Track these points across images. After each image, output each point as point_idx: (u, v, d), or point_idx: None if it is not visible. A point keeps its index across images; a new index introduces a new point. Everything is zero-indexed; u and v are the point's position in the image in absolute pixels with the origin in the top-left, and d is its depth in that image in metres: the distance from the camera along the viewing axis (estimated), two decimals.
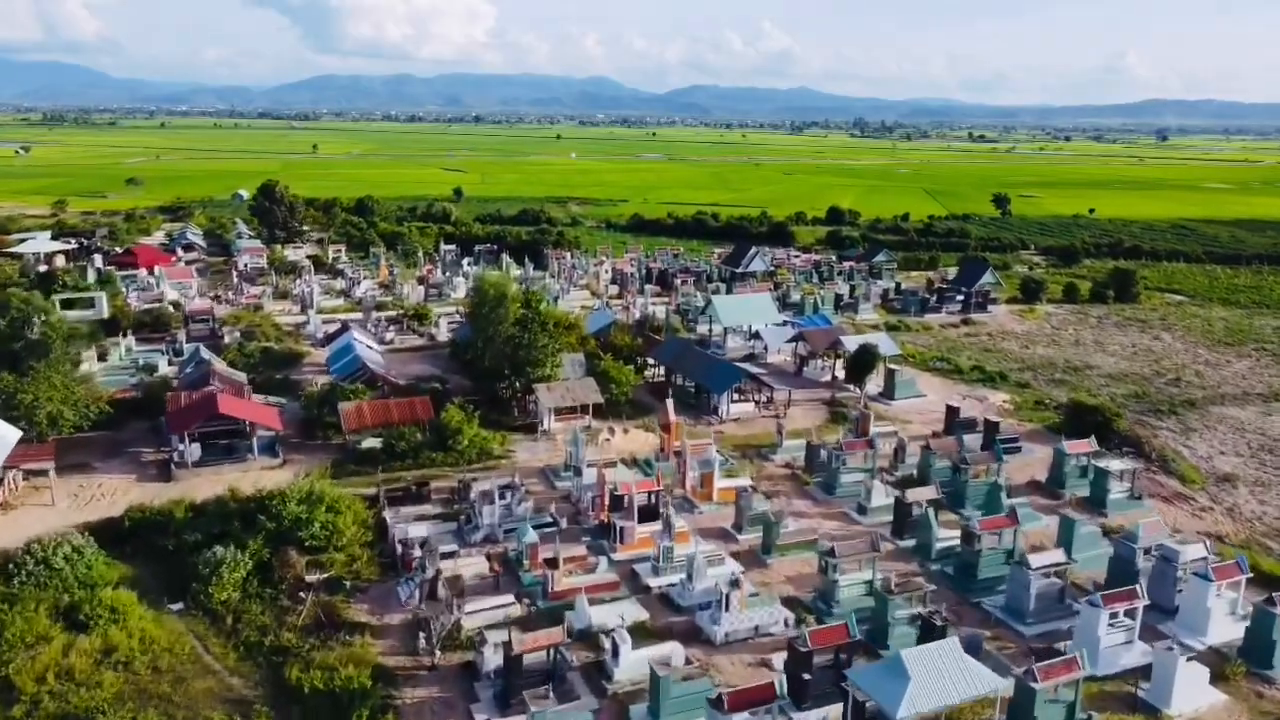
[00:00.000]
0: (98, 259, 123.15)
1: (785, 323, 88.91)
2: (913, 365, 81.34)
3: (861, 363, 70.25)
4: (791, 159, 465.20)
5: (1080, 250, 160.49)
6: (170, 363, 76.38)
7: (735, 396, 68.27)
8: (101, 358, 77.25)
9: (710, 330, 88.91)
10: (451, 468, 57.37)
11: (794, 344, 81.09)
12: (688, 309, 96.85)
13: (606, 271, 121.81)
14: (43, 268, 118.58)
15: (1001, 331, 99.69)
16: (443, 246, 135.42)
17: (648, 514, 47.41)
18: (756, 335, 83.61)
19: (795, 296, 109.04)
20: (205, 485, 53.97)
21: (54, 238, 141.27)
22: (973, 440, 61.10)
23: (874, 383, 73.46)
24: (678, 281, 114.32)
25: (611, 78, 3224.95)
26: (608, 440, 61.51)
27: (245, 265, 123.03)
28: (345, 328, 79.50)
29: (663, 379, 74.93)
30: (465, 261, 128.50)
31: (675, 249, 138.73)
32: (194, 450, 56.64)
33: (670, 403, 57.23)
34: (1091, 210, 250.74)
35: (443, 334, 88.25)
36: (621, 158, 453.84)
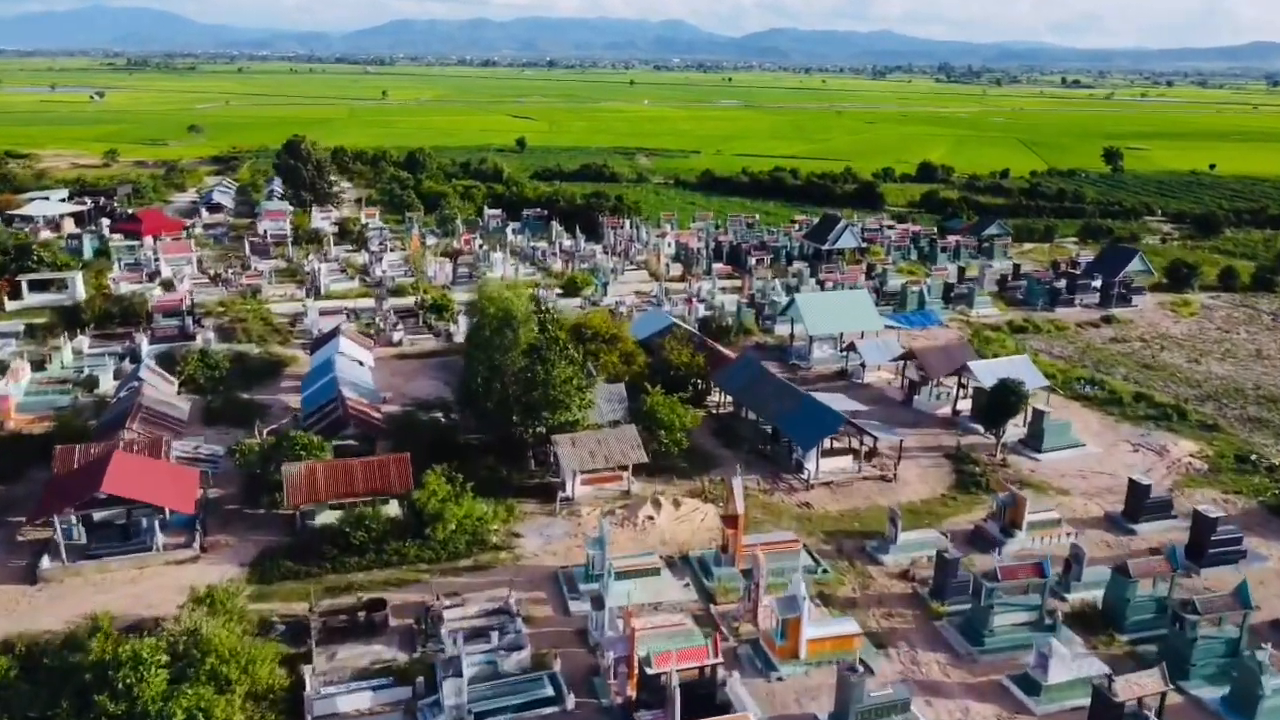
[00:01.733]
0: (105, 224, 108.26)
1: (888, 327, 69.35)
2: (1056, 392, 61.33)
3: (1002, 407, 50.81)
4: (874, 106, 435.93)
5: (1221, 218, 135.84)
6: (116, 375, 60.27)
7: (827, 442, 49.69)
8: (39, 365, 61.52)
9: (792, 334, 69.83)
10: (431, 564, 40.15)
11: (900, 363, 61.74)
12: (764, 302, 77.69)
13: (669, 245, 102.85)
14: (46, 234, 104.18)
15: (1156, 335, 78.60)
16: (486, 211, 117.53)
17: (697, 703, 29.46)
18: (851, 348, 64.39)
19: (893, 282, 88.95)
20: (80, 595, 37.59)
21: (71, 196, 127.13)
22: (1157, 524, 42.11)
23: (1014, 423, 53.91)
24: (752, 261, 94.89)
25: (688, 21, 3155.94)
26: (650, 520, 43.59)
27: (265, 233, 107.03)
28: (335, 332, 62.43)
29: (730, 409, 56.53)
30: (510, 230, 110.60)
31: (750, 217, 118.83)
32: (75, 533, 40.30)
33: (739, 486, 39.00)
34: (1212, 166, 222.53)
35: (463, 331, 70.74)
36: (695, 104, 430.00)
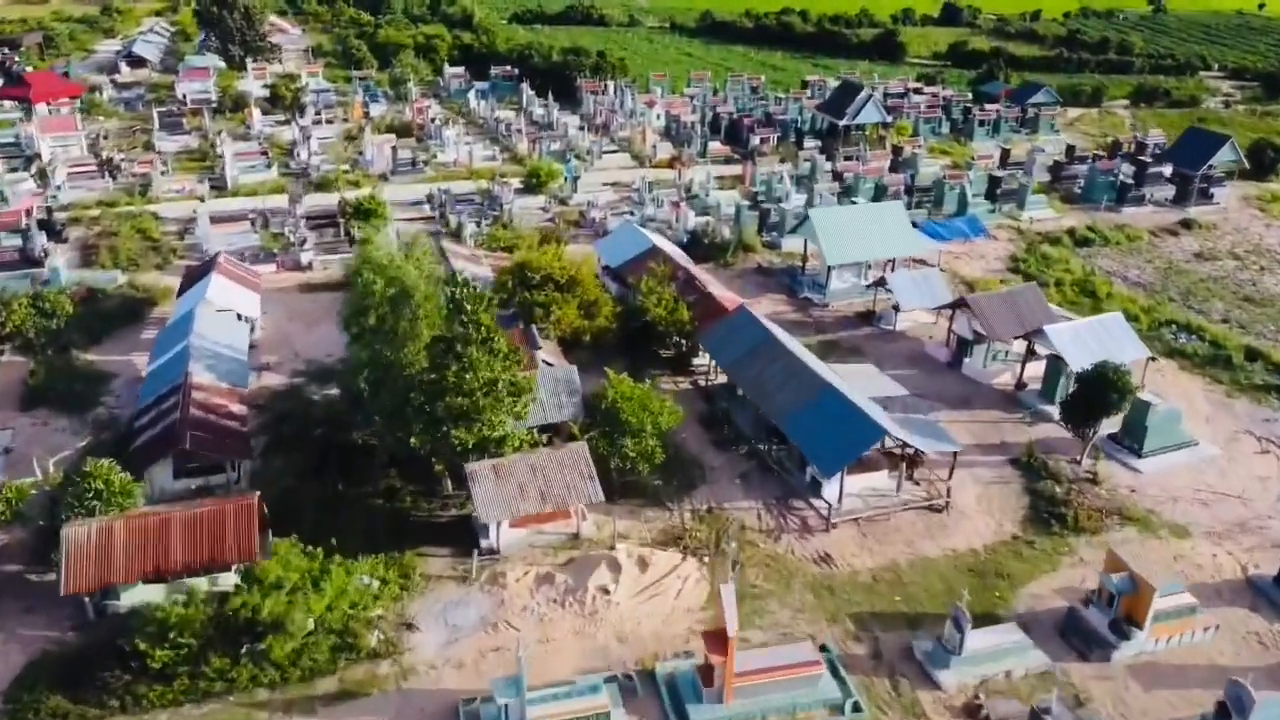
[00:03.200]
0: None
1: (926, 265, 53.76)
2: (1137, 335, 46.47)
3: (1098, 404, 36.18)
4: None
5: None
6: None
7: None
8: None
9: (805, 255, 54.34)
10: (274, 691, 26.65)
11: (947, 311, 46.67)
12: (769, 205, 61.63)
13: (658, 118, 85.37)
14: None
15: (1249, 247, 63.02)
16: (447, 70, 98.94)
17: None
18: (881, 283, 49.18)
19: (925, 170, 72.45)
20: None
21: None
22: None
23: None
24: (755, 141, 77.84)
25: None
26: (604, 596, 29.91)
27: (185, 98, 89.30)
28: (211, 264, 46.97)
29: (724, 378, 41.90)
30: (473, 93, 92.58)
31: (754, 78, 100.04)
32: None
33: (730, 600, 25.13)
34: (1261, 5, 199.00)
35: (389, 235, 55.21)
36: None
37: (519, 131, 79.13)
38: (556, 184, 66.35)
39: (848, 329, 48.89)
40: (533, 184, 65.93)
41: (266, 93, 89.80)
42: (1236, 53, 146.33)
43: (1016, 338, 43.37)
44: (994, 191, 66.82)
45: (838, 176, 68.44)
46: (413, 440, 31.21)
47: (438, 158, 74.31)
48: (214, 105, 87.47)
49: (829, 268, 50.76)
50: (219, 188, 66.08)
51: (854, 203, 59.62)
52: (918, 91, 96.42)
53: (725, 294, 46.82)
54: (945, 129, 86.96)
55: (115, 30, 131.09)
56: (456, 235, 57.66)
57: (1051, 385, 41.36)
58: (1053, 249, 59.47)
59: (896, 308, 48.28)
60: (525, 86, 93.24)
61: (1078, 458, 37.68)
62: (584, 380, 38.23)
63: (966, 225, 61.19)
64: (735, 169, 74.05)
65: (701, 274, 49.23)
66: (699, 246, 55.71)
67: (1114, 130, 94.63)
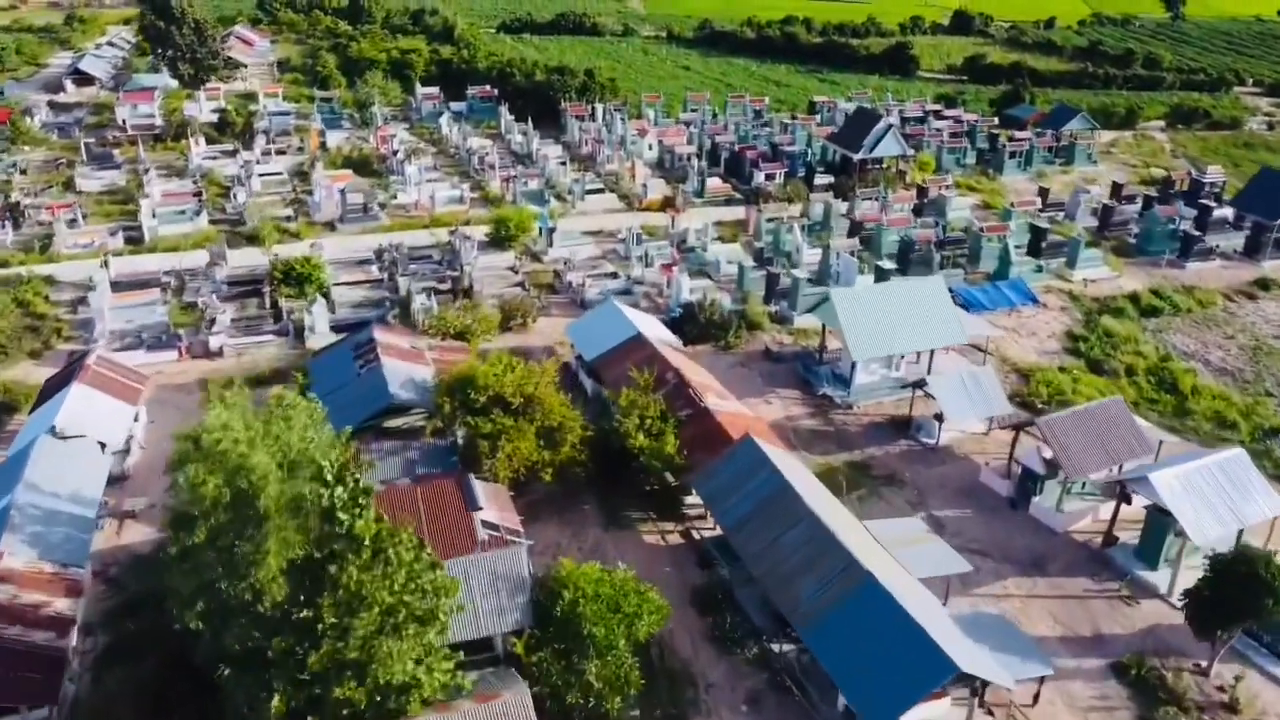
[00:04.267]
0: None
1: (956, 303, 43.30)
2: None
3: (1236, 601, 25.89)
4: None
5: None
6: None
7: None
8: None
9: (824, 339, 43.94)
10: None
11: (1010, 429, 36.38)
12: (777, 271, 51.14)
13: (650, 147, 74.96)
14: None
15: None
16: (419, 91, 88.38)
17: None
18: (920, 385, 38.89)
19: (955, 214, 62.33)
20: None
21: None
22: None
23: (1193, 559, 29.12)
24: (760, 178, 67.39)
25: None
26: None
27: (124, 124, 78.89)
28: (76, 367, 36.59)
29: (718, 565, 31.61)
30: (445, 118, 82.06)
31: (756, 99, 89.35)
32: None
33: None
34: None
35: (324, 327, 44.99)
36: None
37: (491, 168, 68.61)
38: (529, 236, 55.97)
39: (878, 442, 38.58)
40: (501, 235, 55.51)
41: (215, 117, 79.36)
42: (1265, 64, 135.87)
43: (1099, 471, 33.10)
44: (1038, 244, 56.49)
45: (856, 227, 58.08)
46: (274, 703, 20.88)
47: (397, 198, 63.98)
48: (156, 132, 77.08)
49: (854, 364, 40.37)
50: (135, 241, 55.77)
51: (881, 268, 49.14)
52: (938, 115, 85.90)
53: (726, 408, 36.45)
54: (970, 159, 76.45)
55: (70, 42, 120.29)
56: (405, 309, 47.31)
57: (1153, 544, 31.14)
58: (1115, 321, 49.09)
59: (939, 417, 37.97)
60: (504, 110, 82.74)
61: (1204, 664, 27.43)
62: (541, 538, 28.05)
63: (1011, 291, 50.83)
64: (737, 210, 63.71)
65: (697, 375, 38.83)
66: (694, 324, 45.37)
67: (1154, 158, 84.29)
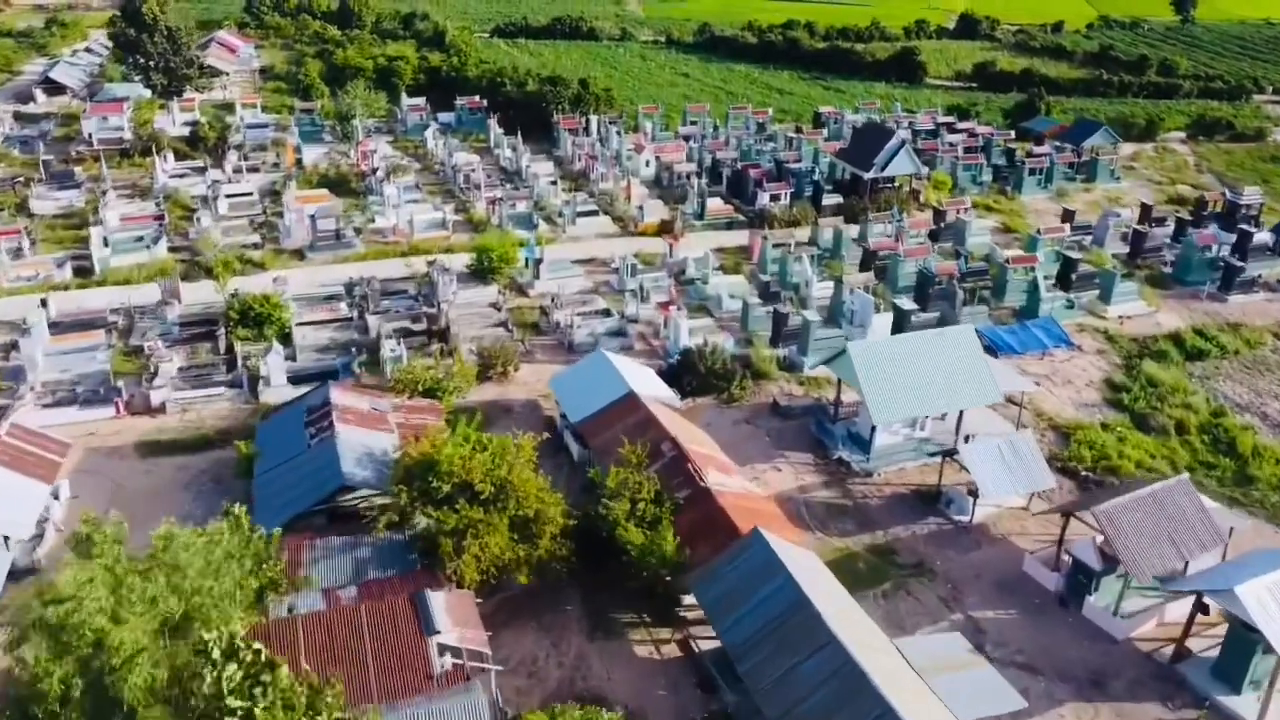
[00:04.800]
0: None
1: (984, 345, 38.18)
2: None
3: None
4: None
5: None
6: None
7: None
8: None
9: (839, 393, 38.86)
10: None
11: (1058, 513, 31.43)
12: (785, 309, 46.04)
13: (646, 163, 69.93)
14: None
15: None
16: (405, 102, 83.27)
17: None
18: (950, 454, 33.96)
19: (976, 239, 57.49)
20: None
21: None
22: None
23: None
24: (764, 199, 62.31)
25: None
26: None
27: (90, 138, 73.84)
28: None
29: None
30: (431, 131, 76.97)
31: (760, 111, 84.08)
32: None
33: None
34: None
35: (280, 379, 39.97)
36: None
37: (476, 189, 63.56)
38: (514, 268, 50.92)
39: (903, 519, 33.59)
40: (483, 268, 50.46)
41: (186, 131, 74.33)
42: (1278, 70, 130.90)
43: (1164, 571, 28.17)
44: (1068, 276, 51.49)
45: (869, 257, 53.07)
46: None
47: (375, 222, 58.98)
48: (124, 147, 72.01)
49: (874, 427, 35.37)
50: (85, 273, 50.78)
51: (900, 308, 44.05)
52: (951, 128, 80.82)
53: (731, 486, 31.44)
54: (987, 176, 71.39)
55: (48, 48, 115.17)
56: (376, 354, 42.27)
57: (1237, 663, 26.20)
58: (1159, 367, 44.09)
59: (974, 494, 33.00)
60: (493, 123, 77.64)
61: None
62: (514, 650, 23.13)
63: (1043, 332, 45.80)
64: (740, 236, 58.72)
65: (697, 444, 33.83)
66: (693, 374, 40.36)
67: (1178, 173, 79.27)
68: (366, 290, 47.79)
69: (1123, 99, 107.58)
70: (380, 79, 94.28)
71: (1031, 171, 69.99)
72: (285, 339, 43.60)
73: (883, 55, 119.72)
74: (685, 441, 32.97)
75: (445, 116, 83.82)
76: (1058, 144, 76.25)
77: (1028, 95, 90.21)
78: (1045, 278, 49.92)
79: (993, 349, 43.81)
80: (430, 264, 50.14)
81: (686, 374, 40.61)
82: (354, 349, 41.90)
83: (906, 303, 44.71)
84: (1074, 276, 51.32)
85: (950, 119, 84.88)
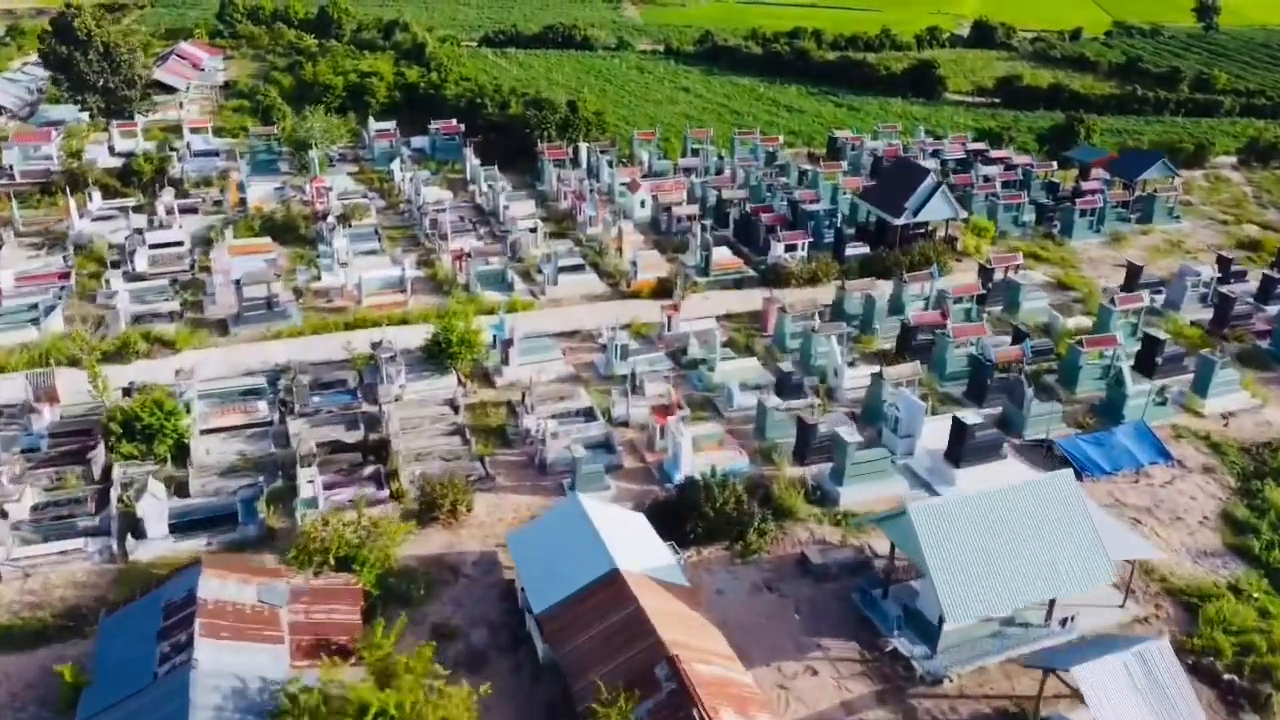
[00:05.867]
0: None
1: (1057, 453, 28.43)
2: None
3: None
4: None
5: None
6: None
7: None
8: None
9: (892, 559, 29.02)
10: None
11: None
12: (811, 420, 36.10)
13: (643, 204, 60.07)
14: None
15: None
16: (373, 125, 73.26)
17: None
18: (1052, 669, 24.15)
19: (1033, 308, 47.69)
20: None
21: None
22: None
23: None
24: (779, 251, 52.41)
25: None
26: None
27: (12, 169, 63.93)
28: None
29: None
30: (398, 161, 66.95)
31: (771, 139, 73.72)
32: None
33: None
34: None
35: (160, 529, 30.11)
36: None
37: (443, 239, 53.65)
38: (477, 355, 40.95)
39: None
40: (439, 351, 40.53)
41: (119, 163, 64.40)
42: None
43: None
44: (1152, 358, 41.69)
45: (908, 335, 43.17)
46: None
47: (321, 279, 49.20)
48: (48, 182, 62.10)
49: (941, 619, 25.55)
50: None
51: (962, 423, 34.03)
52: (983, 157, 70.87)
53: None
54: (1029, 217, 61.53)
55: None
56: (294, 484, 32.46)
57: None
58: (1272, 479, 34.30)
59: None
60: (469, 152, 67.70)
61: None
62: None
63: (1135, 443, 35.97)
64: (751, 298, 48.91)
65: (706, 657, 23.98)
66: (697, 514, 30.55)
67: (1238, 208, 69.35)
68: (293, 384, 38.00)
69: (1159, 117, 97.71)
70: (352, 97, 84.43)
71: (1082, 213, 60.02)
72: (183, 452, 33.91)
73: (897, 68, 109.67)
74: (689, 658, 23.17)
75: (419, 141, 74.02)
76: (1106, 176, 66.40)
77: (1066, 117, 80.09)
78: (1129, 363, 40.06)
79: (1077, 467, 34.13)
80: (375, 345, 40.26)
81: (689, 515, 30.79)
82: (261, 483, 31.98)
83: (970, 414, 34.77)
84: (1159, 360, 41.48)
85: (982, 145, 74.87)
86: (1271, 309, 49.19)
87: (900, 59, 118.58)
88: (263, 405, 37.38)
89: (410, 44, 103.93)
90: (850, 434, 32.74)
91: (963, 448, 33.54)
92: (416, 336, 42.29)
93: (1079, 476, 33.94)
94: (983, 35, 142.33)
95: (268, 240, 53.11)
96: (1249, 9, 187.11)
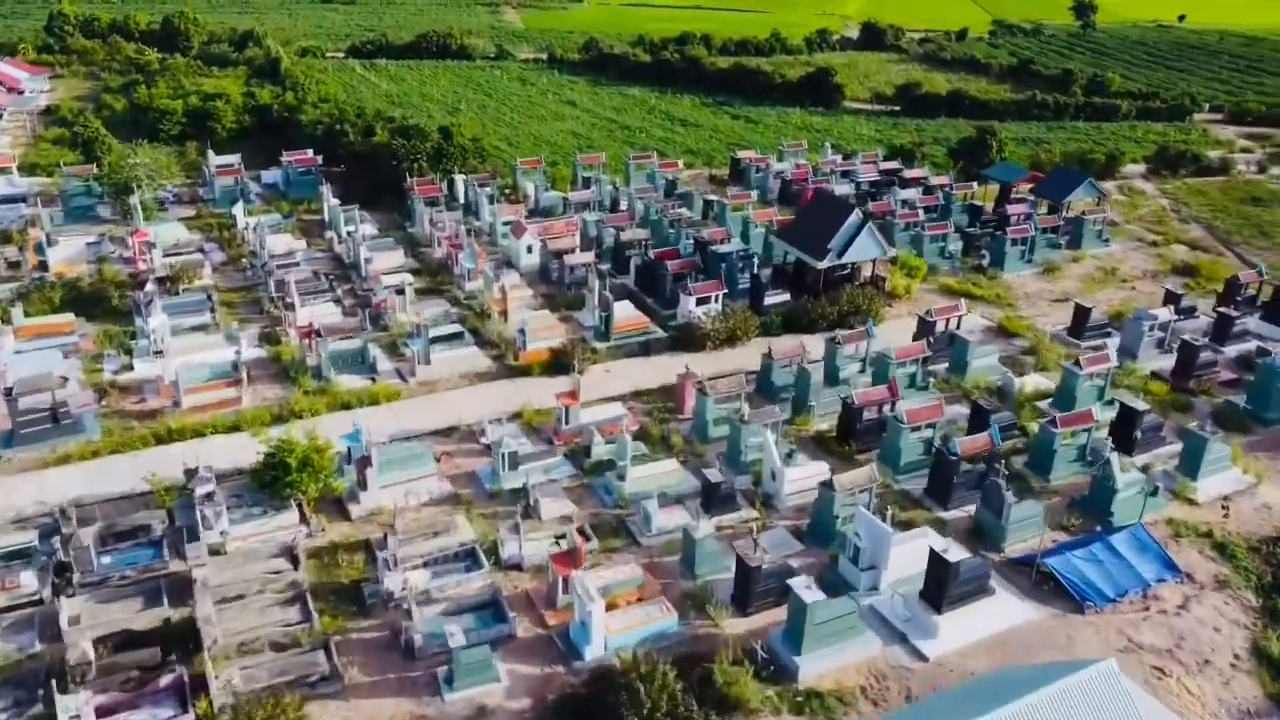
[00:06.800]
0: None
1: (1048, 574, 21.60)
2: None
3: None
4: None
5: None
6: None
7: None
8: None
9: None
10: None
11: None
12: (753, 562, 28.42)
13: (529, 250, 51.42)
14: None
15: None
16: (212, 160, 62.33)
17: None
18: None
19: (983, 367, 41.13)
20: None
21: None
22: None
23: None
24: (690, 306, 44.55)
25: None
26: None
27: None
28: None
29: None
30: (239, 208, 56.45)
31: (670, 164, 65.86)
32: None
33: None
34: (1182, 17, 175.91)
35: None
36: None
37: (290, 308, 43.93)
38: (327, 475, 31.72)
39: None
40: (274, 480, 31.13)
41: None
42: (1197, 79, 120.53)
43: None
44: (1129, 433, 35.47)
45: (851, 414, 35.84)
46: None
47: (134, 369, 39.10)
48: None
49: None
50: None
51: (939, 558, 26.71)
52: (898, 178, 64.65)
53: None
54: (956, 247, 55.44)
55: None
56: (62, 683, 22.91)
57: None
58: None
59: None
60: (327, 190, 57.83)
61: None
62: None
63: (1137, 556, 29.38)
64: (660, 367, 40.99)
65: None
66: (617, 711, 22.36)
67: (1160, 225, 64.97)
68: (71, 542, 28.23)
69: (1059, 122, 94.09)
70: (194, 123, 73.18)
71: (1013, 242, 54.18)
72: None
73: (793, 75, 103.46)
74: None
75: (271, 175, 63.77)
76: (1031, 199, 61.11)
77: (976, 129, 74.77)
78: (1110, 446, 33.66)
79: (1076, 594, 27.44)
80: (189, 474, 30.71)
81: (606, 715, 22.62)
82: (15, 703, 22.32)
83: (954, 549, 27.46)
84: (1137, 434, 35.30)
85: (894, 164, 68.79)
86: (1231, 350, 44.13)
87: (793, 64, 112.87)
88: (28, 576, 27.53)
89: (263, 59, 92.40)
90: (810, 592, 25.04)
91: (945, 591, 26.28)
92: (250, 450, 32.83)
93: (1079, 607, 27.35)
94: (872, 37, 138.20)
95: (69, 318, 42.65)
96: (1120, 7, 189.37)
